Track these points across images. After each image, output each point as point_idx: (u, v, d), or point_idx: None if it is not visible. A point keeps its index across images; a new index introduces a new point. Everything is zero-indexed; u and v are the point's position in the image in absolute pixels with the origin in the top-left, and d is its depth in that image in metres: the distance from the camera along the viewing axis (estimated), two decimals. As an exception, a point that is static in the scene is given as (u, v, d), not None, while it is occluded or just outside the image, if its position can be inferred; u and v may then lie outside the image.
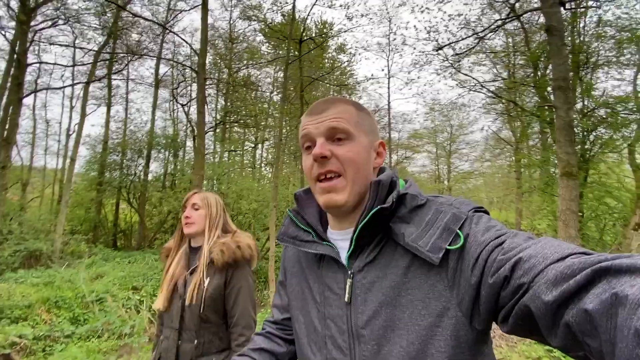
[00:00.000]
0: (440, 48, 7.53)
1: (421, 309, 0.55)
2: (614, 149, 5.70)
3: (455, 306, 0.54)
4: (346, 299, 0.62)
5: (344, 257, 0.65)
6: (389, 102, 17.65)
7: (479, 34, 7.22)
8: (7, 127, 8.80)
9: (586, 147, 5.91)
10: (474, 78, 9.22)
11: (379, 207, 0.59)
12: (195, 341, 1.37)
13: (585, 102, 6.00)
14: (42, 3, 10.11)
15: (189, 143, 15.57)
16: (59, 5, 11.03)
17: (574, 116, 5.22)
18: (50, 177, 16.89)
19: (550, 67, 6.87)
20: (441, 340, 0.53)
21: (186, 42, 10.84)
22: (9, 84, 9.15)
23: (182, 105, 14.59)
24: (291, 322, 0.78)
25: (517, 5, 7.46)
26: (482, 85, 9.19)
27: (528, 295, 0.43)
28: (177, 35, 10.95)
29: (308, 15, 11.92)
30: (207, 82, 12.53)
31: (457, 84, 10.09)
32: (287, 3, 11.55)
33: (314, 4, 10.50)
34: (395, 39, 15.33)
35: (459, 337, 0.53)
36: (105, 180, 13.10)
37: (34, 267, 8.44)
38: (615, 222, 5.99)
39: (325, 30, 13.33)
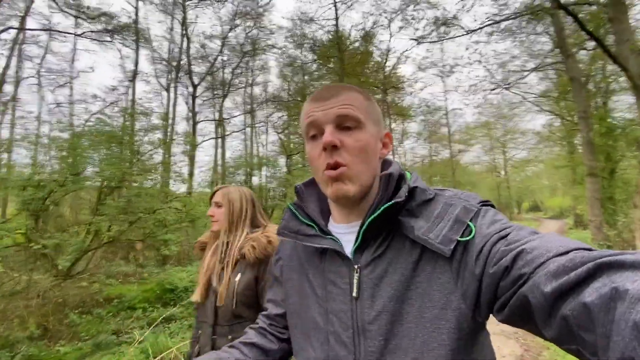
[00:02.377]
0: (495, 88, 10.37)
1: (427, 302, 0.55)
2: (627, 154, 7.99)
3: (459, 298, 0.53)
4: (354, 294, 0.60)
5: (349, 251, 0.63)
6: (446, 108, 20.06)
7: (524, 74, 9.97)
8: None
9: (610, 153, 8.25)
10: (525, 99, 11.79)
11: (393, 201, 0.58)
12: (230, 336, 1.36)
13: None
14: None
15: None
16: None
17: (593, 135, 7.78)
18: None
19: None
20: (444, 333, 0.53)
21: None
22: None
23: (279, 133, 18.79)
24: (286, 317, 0.76)
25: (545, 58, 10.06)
26: (531, 102, 11.75)
27: (527, 285, 0.43)
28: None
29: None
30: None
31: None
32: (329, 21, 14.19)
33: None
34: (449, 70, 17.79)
35: (461, 329, 0.53)
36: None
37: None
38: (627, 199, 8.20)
39: (368, 39, 16.53)
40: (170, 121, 13.37)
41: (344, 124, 0.62)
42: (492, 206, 0.61)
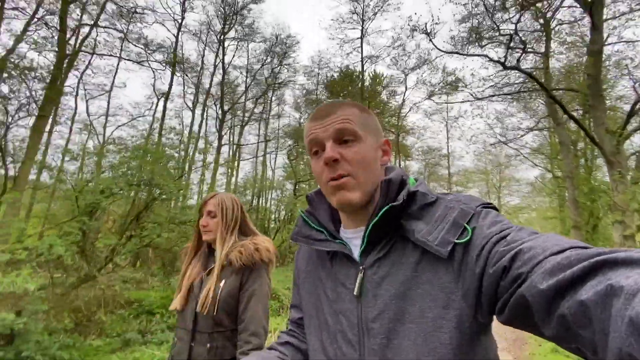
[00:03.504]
0: (494, 143, 11.74)
1: (429, 302, 0.56)
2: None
3: (460, 298, 0.54)
4: (355, 293, 0.63)
5: (356, 254, 0.66)
6: (448, 152, 21.53)
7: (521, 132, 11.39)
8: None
9: (592, 210, 9.37)
10: (521, 152, 13.17)
11: (389, 205, 0.60)
12: (208, 345, 1.33)
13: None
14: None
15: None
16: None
17: (577, 194, 8.89)
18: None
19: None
20: (446, 332, 0.54)
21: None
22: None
23: (291, 160, 19.91)
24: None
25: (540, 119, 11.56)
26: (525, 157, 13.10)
27: (525, 285, 0.43)
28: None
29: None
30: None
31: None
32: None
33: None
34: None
35: (463, 329, 0.54)
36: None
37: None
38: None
39: (378, 80, 18.58)
40: (198, 141, 14.51)
41: (343, 137, 0.66)
42: (495, 209, 0.61)
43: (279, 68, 18.06)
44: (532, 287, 0.42)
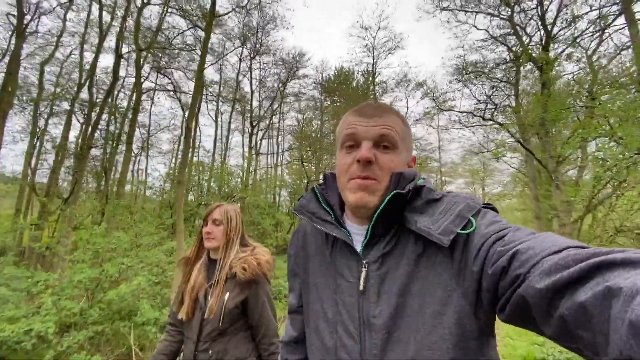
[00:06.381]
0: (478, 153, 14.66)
1: (429, 298, 0.56)
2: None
3: (460, 296, 0.54)
4: (361, 288, 0.62)
5: (358, 246, 0.66)
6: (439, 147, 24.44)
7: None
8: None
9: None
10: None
11: (396, 191, 0.60)
12: (210, 351, 1.42)
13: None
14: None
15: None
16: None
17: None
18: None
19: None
20: (446, 328, 0.54)
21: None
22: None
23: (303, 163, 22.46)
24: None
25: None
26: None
27: (524, 285, 0.44)
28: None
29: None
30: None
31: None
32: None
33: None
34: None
35: (463, 326, 0.54)
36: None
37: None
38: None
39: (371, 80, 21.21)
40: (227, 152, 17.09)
41: (382, 143, 0.66)
42: (494, 209, 0.61)
43: (288, 82, 20.38)
44: (529, 287, 0.43)
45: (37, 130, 12.29)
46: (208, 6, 9.00)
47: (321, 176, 0.77)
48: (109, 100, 10.81)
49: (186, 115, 17.56)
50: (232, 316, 1.45)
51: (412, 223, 0.60)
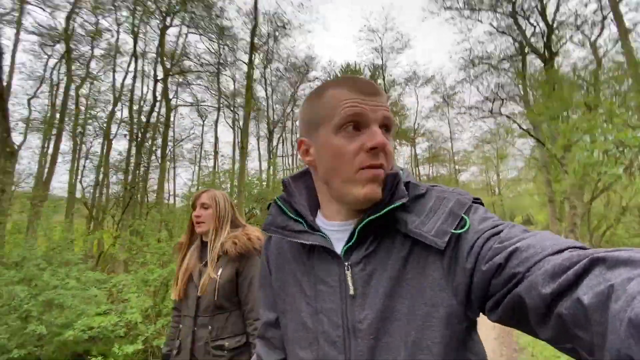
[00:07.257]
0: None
1: (419, 299, 0.53)
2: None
3: (450, 295, 0.52)
4: (351, 292, 0.57)
5: (339, 248, 0.61)
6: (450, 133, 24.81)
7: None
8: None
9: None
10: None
11: (401, 202, 0.56)
12: (209, 327, 1.48)
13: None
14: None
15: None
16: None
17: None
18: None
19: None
20: (436, 329, 0.52)
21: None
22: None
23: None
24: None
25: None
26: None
27: (523, 285, 0.42)
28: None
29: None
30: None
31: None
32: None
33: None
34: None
35: (452, 326, 0.52)
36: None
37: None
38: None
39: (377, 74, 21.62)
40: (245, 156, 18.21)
41: (385, 126, 0.60)
42: (482, 204, 0.59)
43: (300, 85, 21.17)
44: (532, 289, 0.41)
45: (77, 148, 13.55)
46: (248, 38, 10.52)
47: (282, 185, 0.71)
48: (150, 120, 12.00)
49: (204, 122, 19.05)
50: (225, 290, 1.50)
51: (402, 224, 0.56)
